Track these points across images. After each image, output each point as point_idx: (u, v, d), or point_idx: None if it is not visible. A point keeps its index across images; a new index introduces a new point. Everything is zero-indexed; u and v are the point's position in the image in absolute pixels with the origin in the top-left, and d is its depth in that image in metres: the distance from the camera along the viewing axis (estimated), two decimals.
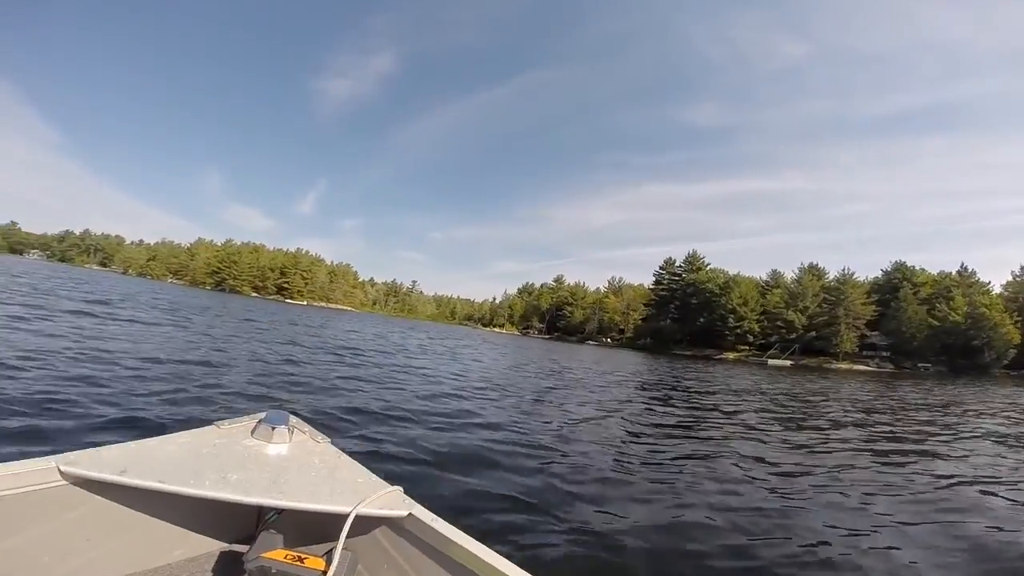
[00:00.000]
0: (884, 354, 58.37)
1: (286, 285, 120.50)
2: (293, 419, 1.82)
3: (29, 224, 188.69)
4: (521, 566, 1.20)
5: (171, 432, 1.67)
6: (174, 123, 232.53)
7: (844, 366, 54.39)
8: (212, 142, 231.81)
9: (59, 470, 1.30)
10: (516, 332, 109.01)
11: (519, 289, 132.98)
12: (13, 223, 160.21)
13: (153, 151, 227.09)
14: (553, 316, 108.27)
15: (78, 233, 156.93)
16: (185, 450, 1.52)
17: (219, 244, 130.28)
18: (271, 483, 1.41)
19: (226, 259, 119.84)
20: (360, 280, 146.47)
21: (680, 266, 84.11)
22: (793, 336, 61.43)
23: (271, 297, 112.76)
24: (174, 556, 1.52)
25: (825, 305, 62.02)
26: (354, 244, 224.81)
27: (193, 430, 1.69)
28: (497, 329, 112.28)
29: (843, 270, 66.13)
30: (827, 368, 51.05)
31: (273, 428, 1.69)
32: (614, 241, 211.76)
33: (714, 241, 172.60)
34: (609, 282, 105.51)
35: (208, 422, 1.78)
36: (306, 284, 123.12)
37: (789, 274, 74.23)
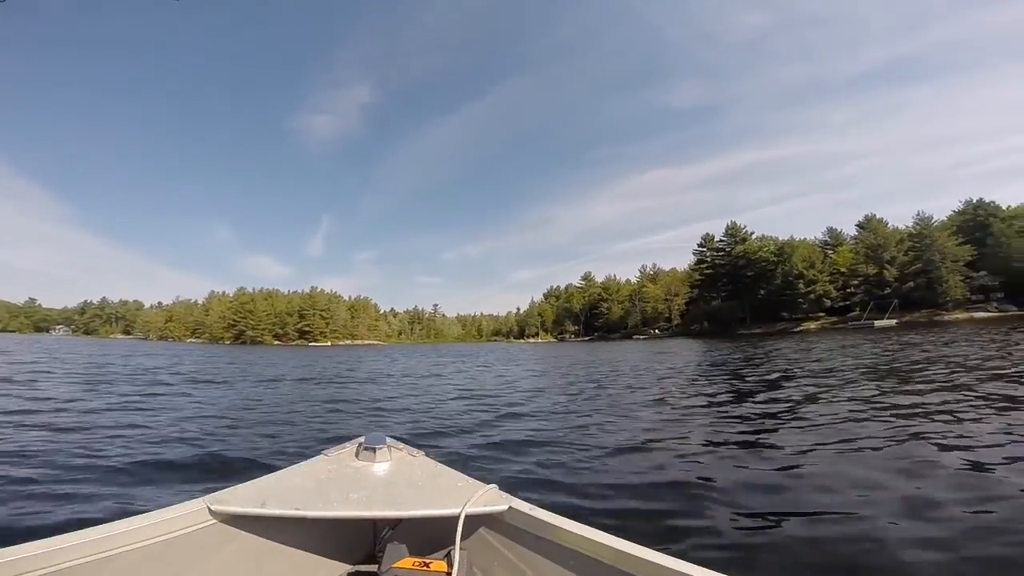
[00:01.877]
0: (998, 295, 48.90)
1: (307, 328, 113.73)
2: (389, 439, 1.85)
3: (49, 300, 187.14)
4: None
5: (284, 466, 1.73)
6: (173, 182, 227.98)
7: (960, 316, 45.11)
8: (212, 196, 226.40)
9: (209, 509, 1.34)
10: (551, 339, 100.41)
11: (544, 294, 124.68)
12: (32, 300, 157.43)
13: (159, 212, 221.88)
14: (588, 316, 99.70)
15: (96, 303, 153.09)
16: (307, 479, 1.59)
17: (231, 295, 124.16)
18: (387, 497, 1.48)
19: (240, 309, 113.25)
20: (382, 312, 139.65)
21: (721, 240, 75.45)
22: (886, 292, 52.19)
23: (294, 343, 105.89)
24: None
25: (912, 253, 52.85)
26: (371, 277, 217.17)
27: (307, 461, 1.76)
28: (531, 340, 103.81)
29: (917, 215, 57.08)
30: (941, 321, 41.94)
31: (375, 449, 1.74)
32: (625, 232, 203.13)
33: (723, 218, 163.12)
34: (641, 270, 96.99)
35: (316, 453, 1.82)
36: (327, 324, 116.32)
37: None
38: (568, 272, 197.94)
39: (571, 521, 1.30)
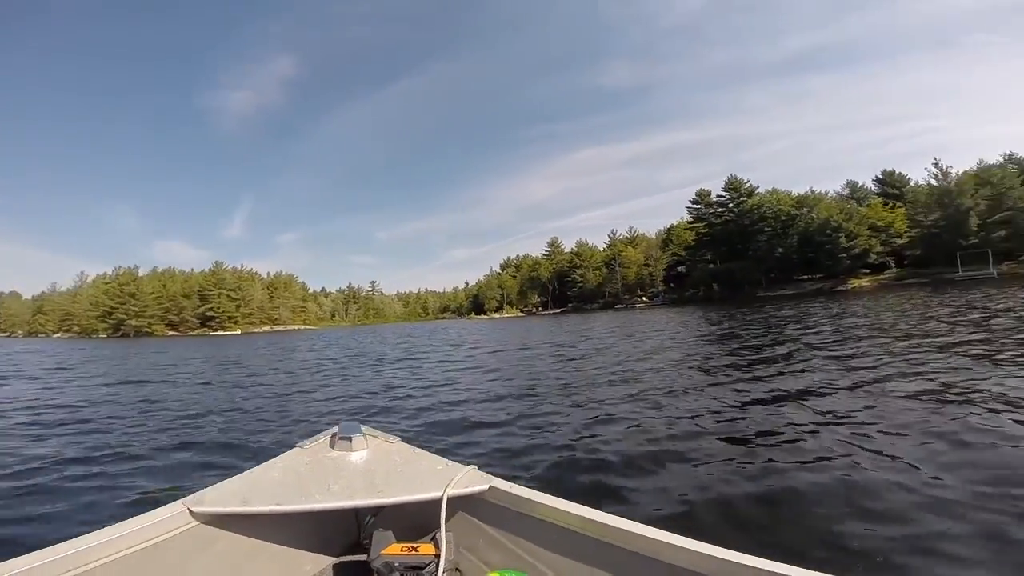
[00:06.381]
0: None
1: (212, 313, 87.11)
2: (364, 427, 1.74)
3: None
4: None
5: (260, 460, 1.61)
6: (70, 164, 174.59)
7: None
8: (115, 179, 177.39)
9: (190, 511, 1.25)
10: (518, 313, 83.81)
11: (502, 265, 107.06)
12: None
13: (58, 198, 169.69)
14: (558, 286, 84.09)
15: None
16: (286, 473, 1.48)
17: (112, 275, 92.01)
18: (368, 486, 1.40)
19: (119, 293, 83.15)
20: (311, 291, 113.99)
21: (720, 196, 62.41)
22: (970, 242, 41.36)
23: (194, 332, 79.73)
24: None
25: (986, 200, 42.36)
26: (299, 258, 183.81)
27: (283, 454, 1.61)
28: (494, 315, 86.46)
29: (980, 162, 47.06)
30: None
31: (351, 438, 1.63)
32: (561, 210, 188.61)
33: (648, 196, 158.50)
34: (611, 235, 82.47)
35: (290, 446, 1.68)
36: (238, 307, 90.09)
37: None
38: (506, 249, 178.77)
39: (553, 497, 1.26)
